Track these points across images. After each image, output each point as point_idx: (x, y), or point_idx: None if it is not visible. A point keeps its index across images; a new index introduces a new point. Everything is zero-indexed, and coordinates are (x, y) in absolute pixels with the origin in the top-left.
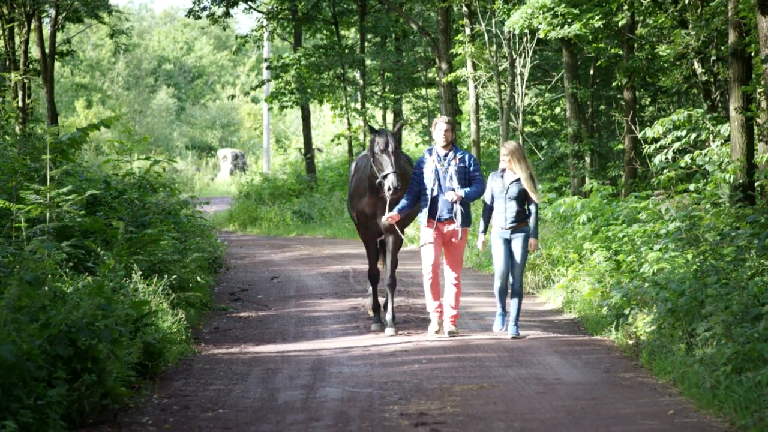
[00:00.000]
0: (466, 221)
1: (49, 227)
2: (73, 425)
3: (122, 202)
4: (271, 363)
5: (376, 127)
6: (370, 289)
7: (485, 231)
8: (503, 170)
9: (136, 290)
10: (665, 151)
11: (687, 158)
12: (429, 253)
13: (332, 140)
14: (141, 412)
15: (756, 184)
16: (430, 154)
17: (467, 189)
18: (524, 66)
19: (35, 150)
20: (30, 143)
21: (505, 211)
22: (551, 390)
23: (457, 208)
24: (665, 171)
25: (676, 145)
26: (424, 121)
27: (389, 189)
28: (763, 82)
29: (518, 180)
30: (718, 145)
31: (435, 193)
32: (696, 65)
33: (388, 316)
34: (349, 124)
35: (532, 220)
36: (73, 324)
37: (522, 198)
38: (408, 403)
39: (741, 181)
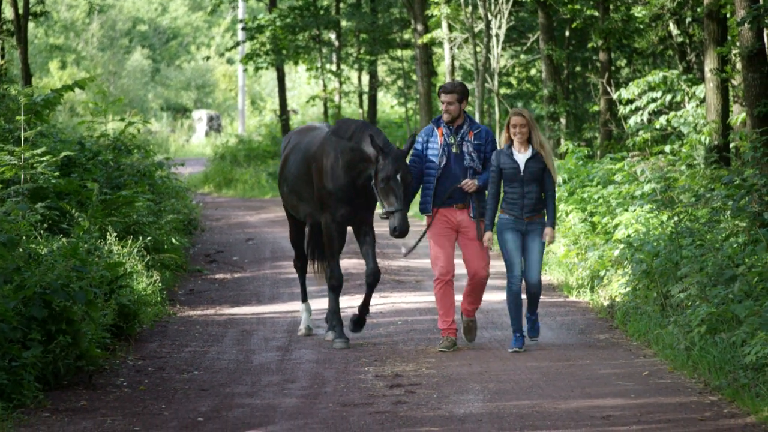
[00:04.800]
0: (480, 212)
1: (23, 188)
2: (47, 387)
3: (97, 163)
4: (246, 325)
5: (380, 143)
6: (330, 296)
7: (492, 224)
8: (510, 146)
9: (111, 252)
10: (640, 112)
11: (662, 120)
12: (440, 253)
13: (307, 102)
14: (116, 374)
15: (731, 145)
16: (438, 126)
17: (481, 177)
18: (500, 27)
19: (9, 111)
20: (4, 104)
21: (522, 198)
22: (527, 352)
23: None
24: (640, 132)
25: (652, 106)
26: (399, 82)
27: (394, 230)
28: (738, 44)
29: (535, 157)
30: (693, 107)
31: (442, 175)
32: (671, 26)
33: (357, 319)
34: (325, 86)
35: (549, 205)
36: (48, 286)
37: (541, 179)
38: (383, 365)
39: (716, 142)
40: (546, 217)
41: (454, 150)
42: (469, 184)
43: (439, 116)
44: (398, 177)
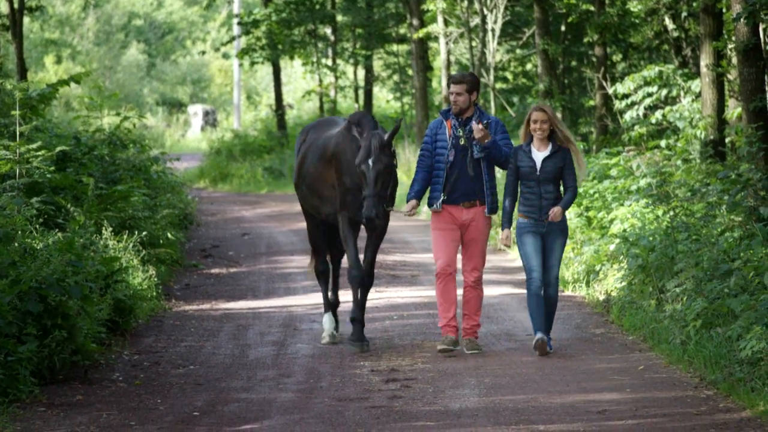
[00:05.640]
0: (493, 206)
1: (18, 183)
2: (43, 381)
3: (92, 158)
4: (242, 319)
5: (363, 128)
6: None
7: (510, 222)
8: (530, 143)
9: (107, 247)
10: (636, 107)
11: (658, 114)
12: (442, 248)
13: (303, 96)
14: (111, 369)
15: (726, 140)
16: (447, 118)
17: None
18: (495, 22)
19: (5, 106)
20: None
21: (539, 198)
22: (522, 346)
23: (484, 185)
24: (636, 127)
25: (647, 101)
26: (395, 77)
27: (364, 218)
28: (733, 38)
29: (554, 155)
30: (688, 101)
31: (451, 170)
32: (667, 21)
33: (355, 320)
34: (320, 81)
35: (567, 196)
36: (44, 280)
37: (559, 179)
38: (379, 360)
39: (712, 137)
40: (565, 216)
41: (461, 143)
42: (480, 128)
43: (448, 108)
44: (369, 161)
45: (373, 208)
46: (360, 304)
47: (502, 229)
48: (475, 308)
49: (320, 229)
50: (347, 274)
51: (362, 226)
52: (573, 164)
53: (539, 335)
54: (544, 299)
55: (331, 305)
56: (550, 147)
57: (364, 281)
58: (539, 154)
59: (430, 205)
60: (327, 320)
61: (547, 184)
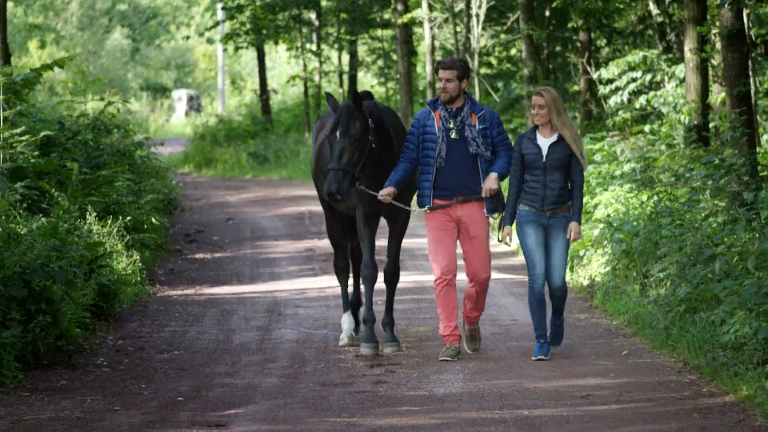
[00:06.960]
0: (498, 205)
1: (2, 168)
2: (27, 366)
3: (76, 143)
4: (226, 305)
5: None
6: (360, 288)
7: (512, 218)
8: (535, 129)
9: (91, 231)
10: (620, 92)
11: (642, 99)
12: (439, 250)
13: (287, 81)
14: (96, 354)
15: (710, 125)
16: (435, 109)
17: (497, 165)
18: (480, 7)
19: None
20: None
21: (544, 188)
22: (506, 331)
23: (481, 180)
24: (620, 112)
25: (632, 86)
26: (380, 62)
27: (325, 192)
28: (717, 23)
29: (560, 141)
30: (672, 87)
31: (442, 165)
32: (651, 6)
33: (386, 323)
34: (305, 66)
35: (575, 197)
36: (27, 265)
37: (566, 168)
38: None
39: (695, 122)
40: (571, 210)
41: (453, 135)
42: (490, 185)
43: (436, 98)
44: (337, 133)
45: (333, 183)
46: (387, 303)
47: (504, 225)
48: (480, 304)
49: (338, 221)
50: (360, 272)
51: (384, 220)
52: (581, 153)
53: (540, 354)
54: (549, 290)
55: (351, 305)
56: (557, 133)
57: (387, 279)
58: (545, 140)
59: (421, 205)
60: (346, 320)
61: (553, 173)
